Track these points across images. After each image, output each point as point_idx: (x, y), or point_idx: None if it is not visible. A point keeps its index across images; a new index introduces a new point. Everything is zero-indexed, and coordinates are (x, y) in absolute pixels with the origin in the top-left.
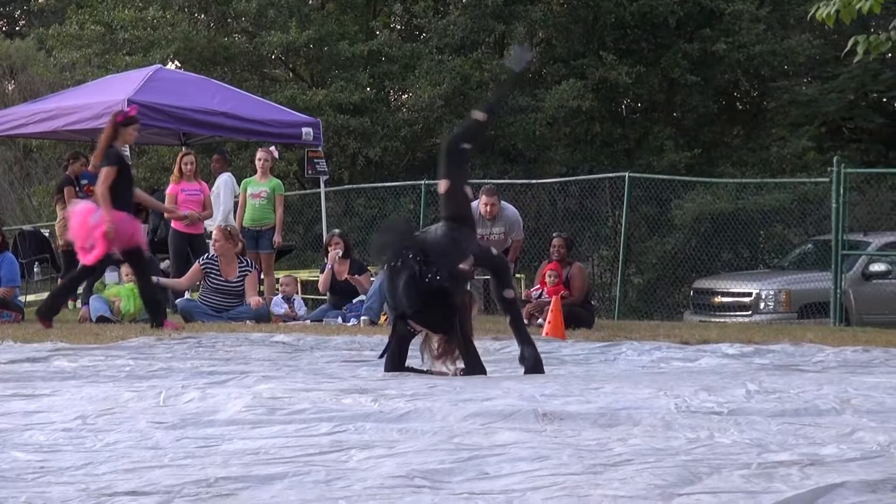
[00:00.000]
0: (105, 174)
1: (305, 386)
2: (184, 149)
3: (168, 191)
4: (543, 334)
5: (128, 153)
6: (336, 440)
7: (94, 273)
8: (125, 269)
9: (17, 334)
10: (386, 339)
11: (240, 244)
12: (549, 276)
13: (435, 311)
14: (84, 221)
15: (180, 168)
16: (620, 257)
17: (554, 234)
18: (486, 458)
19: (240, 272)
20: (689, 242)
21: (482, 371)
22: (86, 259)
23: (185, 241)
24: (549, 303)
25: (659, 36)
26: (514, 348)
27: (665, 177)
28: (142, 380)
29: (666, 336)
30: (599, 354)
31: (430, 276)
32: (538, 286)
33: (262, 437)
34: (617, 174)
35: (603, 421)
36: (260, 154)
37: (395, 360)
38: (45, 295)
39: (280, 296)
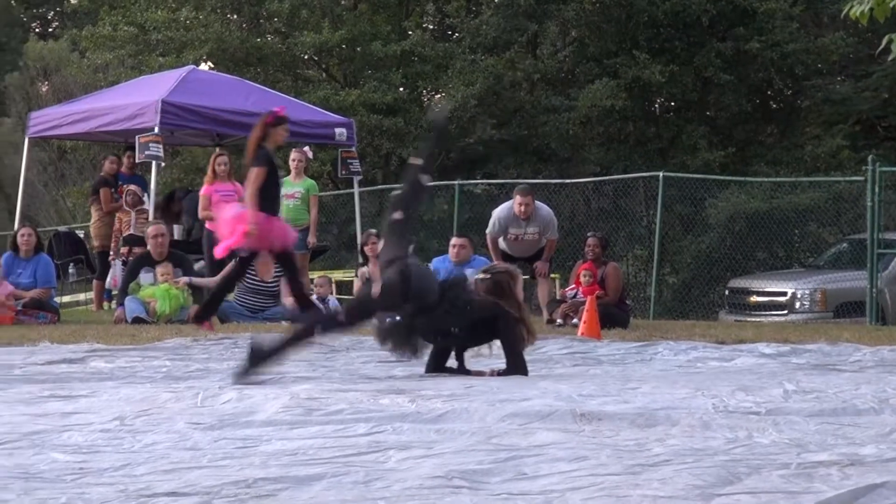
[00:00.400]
0: (254, 175)
1: (342, 386)
2: (217, 149)
3: (202, 191)
4: (579, 334)
5: (161, 153)
6: (374, 441)
7: (242, 271)
8: (160, 269)
9: (54, 335)
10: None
11: None
12: (584, 276)
13: (471, 335)
14: (231, 221)
15: (214, 169)
16: (655, 257)
17: (589, 234)
18: (524, 459)
19: (275, 273)
20: (723, 242)
21: (524, 372)
22: (216, 250)
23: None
24: (584, 303)
25: (692, 35)
26: (549, 348)
27: (699, 176)
28: (179, 381)
29: (702, 336)
30: (635, 354)
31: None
32: (573, 286)
33: (300, 438)
34: (651, 173)
35: (641, 421)
36: (293, 154)
37: (435, 361)
38: (80, 296)
39: (314, 297)
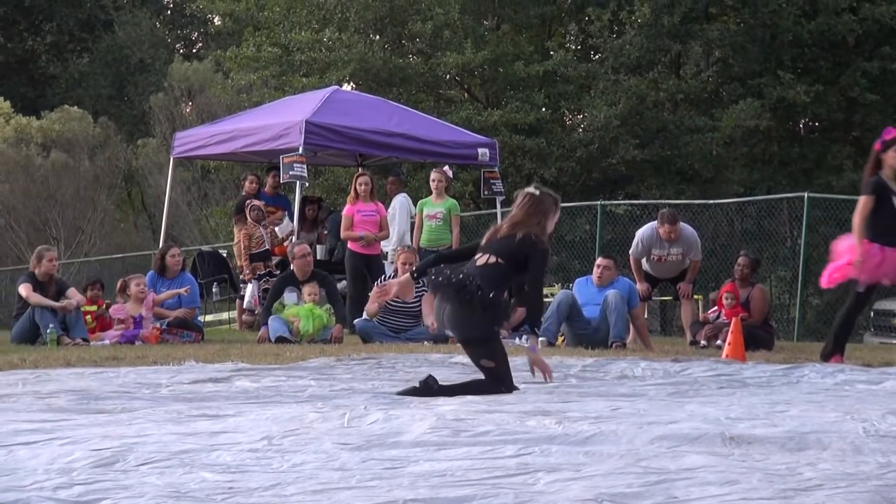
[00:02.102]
0: (861, 204)
1: (488, 407)
2: (360, 169)
3: (344, 212)
4: (723, 356)
5: (305, 173)
6: (522, 462)
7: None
8: (306, 289)
9: (199, 354)
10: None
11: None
12: (727, 299)
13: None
14: (843, 252)
15: (356, 189)
16: (800, 278)
17: (741, 253)
18: (674, 482)
19: (417, 293)
20: None
21: (540, 303)
22: (822, 280)
23: (361, 262)
24: (727, 325)
25: (837, 54)
26: (693, 370)
27: (845, 197)
28: (324, 400)
29: (847, 358)
30: (782, 377)
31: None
32: (715, 308)
33: (447, 459)
34: (796, 194)
35: (791, 445)
36: (434, 175)
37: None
38: (223, 315)
39: None
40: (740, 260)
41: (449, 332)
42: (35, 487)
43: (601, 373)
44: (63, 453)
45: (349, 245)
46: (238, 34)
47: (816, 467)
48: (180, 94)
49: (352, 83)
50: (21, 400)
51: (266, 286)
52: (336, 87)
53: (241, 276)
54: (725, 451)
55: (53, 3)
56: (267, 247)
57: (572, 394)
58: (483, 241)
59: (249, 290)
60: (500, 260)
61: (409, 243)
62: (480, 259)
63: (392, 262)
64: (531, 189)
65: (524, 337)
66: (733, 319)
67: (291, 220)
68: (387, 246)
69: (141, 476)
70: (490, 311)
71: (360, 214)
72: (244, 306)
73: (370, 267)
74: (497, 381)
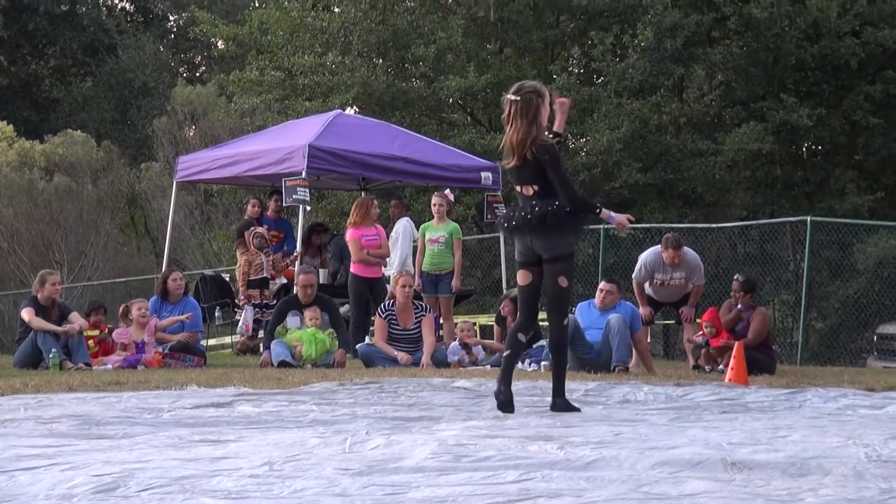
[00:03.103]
0: None
1: (490, 433)
2: (363, 194)
3: (348, 236)
4: (726, 380)
5: (307, 197)
6: (523, 489)
7: None
8: (308, 313)
9: (201, 379)
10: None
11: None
12: (707, 327)
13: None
14: None
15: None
16: (803, 302)
17: (735, 277)
18: None
19: (416, 318)
20: (871, 287)
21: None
22: None
23: (365, 286)
24: (727, 349)
25: (840, 78)
26: (696, 394)
27: (848, 220)
28: (326, 425)
29: (850, 382)
30: (784, 401)
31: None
32: (700, 333)
33: (448, 485)
34: (798, 218)
35: (793, 470)
36: (435, 199)
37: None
38: (226, 339)
39: (457, 342)
40: (734, 283)
41: None
42: None
43: (603, 397)
44: (64, 479)
45: (353, 269)
46: (241, 58)
47: (818, 493)
48: (183, 118)
49: (355, 107)
50: (23, 425)
51: (258, 316)
52: (339, 110)
53: (237, 301)
54: (727, 477)
55: (57, 27)
56: (265, 274)
57: (574, 418)
58: (508, 167)
59: (243, 316)
60: (534, 186)
61: (412, 267)
62: (525, 191)
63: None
64: (510, 95)
65: (527, 361)
66: (736, 344)
67: (294, 243)
68: (389, 270)
69: (142, 502)
70: (570, 227)
71: (364, 238)
72: (237, 330)
73: (374, 291)
74: (561, 304)
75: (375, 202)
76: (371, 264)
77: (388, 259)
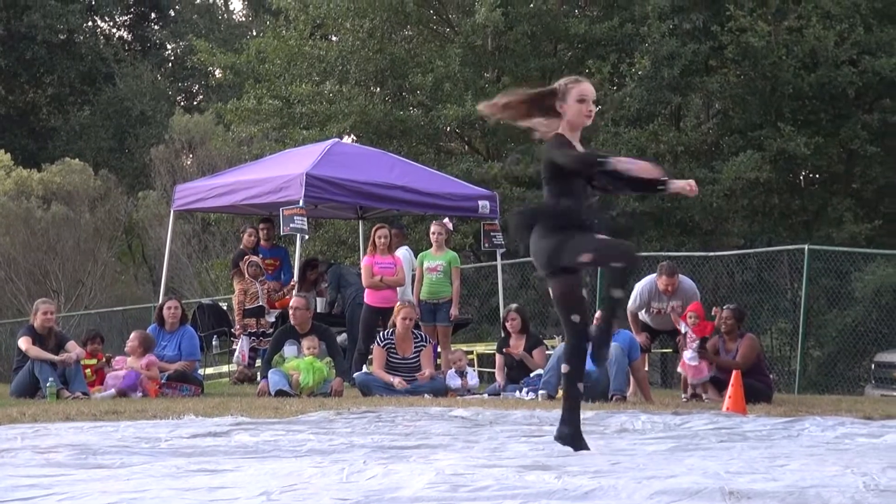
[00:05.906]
0: None
1: (488, 462)
2: (360, 223)
3: (364, 262)
4: (724, 409)
5: (305, 226)
6: None
7: None
8: (305, 342)
9: (198, 408)
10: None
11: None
12: (690, 318)
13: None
14: None
15: (374, 242)
16: (800, 330)
17: (724, 307)
18: None
19: (415, 347)
20: (869, 315)
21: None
22: None
23: (377, 316)
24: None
25: (838, 106)
26: (694, 423)
27: (846, 249)
28: (323, 455)
29: (848, 411)
30: (782, 430)
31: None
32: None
33: None
34: (796, 246)
35: (791, 500)
36: (433, 227)
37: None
38: (223, 368)
39: (453, 370)
40: (724, 314)
41: None
42: None
43: (601, 426)
44: None
45: (367, 300)
46: (239, 87)
47: None
48: (181, 147)
49: (352, 135)
50: (19, 454)
51: (254, 344)
52: (336, 139)
53: (233, 330)
54: None
55: (54, 56)
56: (261, 303)
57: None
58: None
59: (239, 346)
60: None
61: (410, 296)
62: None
63: None
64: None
65: (524, 390)
66: (734, 373)
67: (291, 271)
68: None
69: None
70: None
71: (378, 266)
72: (233, 360)
73: (385, 320)
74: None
75: (395, 231)
76: (380, 289)
77: (400, 289)
